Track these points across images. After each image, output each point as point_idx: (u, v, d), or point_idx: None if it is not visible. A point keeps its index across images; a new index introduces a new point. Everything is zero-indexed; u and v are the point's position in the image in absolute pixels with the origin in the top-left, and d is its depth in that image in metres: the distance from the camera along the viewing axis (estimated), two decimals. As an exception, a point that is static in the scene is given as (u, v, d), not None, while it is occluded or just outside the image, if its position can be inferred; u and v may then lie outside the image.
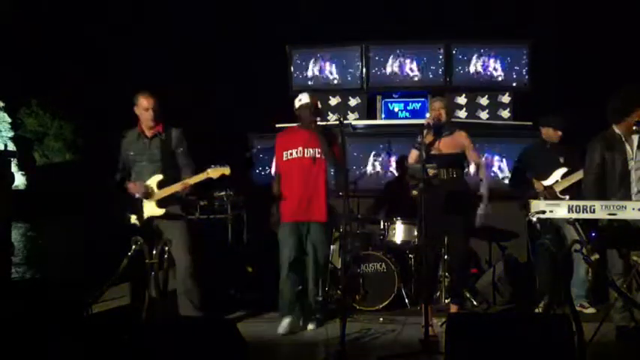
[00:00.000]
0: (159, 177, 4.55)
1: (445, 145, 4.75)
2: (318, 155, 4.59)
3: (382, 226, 5.90)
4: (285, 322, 4.58)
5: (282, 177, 4.75)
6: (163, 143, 4.61)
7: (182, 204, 4.68)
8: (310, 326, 4.64)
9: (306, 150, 4.62)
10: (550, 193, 5.05)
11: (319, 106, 4.81)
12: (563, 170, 5.10)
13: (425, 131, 4.56)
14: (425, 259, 4.49)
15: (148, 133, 4.63)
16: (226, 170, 4.47)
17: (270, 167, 7.25)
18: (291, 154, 4.66)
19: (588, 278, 5.02)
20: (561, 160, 5.15)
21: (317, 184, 4.59)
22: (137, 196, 4.53)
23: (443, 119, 4.72)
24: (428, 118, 4.74)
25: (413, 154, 4.79)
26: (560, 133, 5.17)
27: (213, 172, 4.47)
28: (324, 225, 4.63)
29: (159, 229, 4.55)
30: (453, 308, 4.82)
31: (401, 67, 7.35)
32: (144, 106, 4.57)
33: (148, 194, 4.52)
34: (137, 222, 4.55)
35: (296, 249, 4.63)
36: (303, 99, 4.66)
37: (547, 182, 5.13)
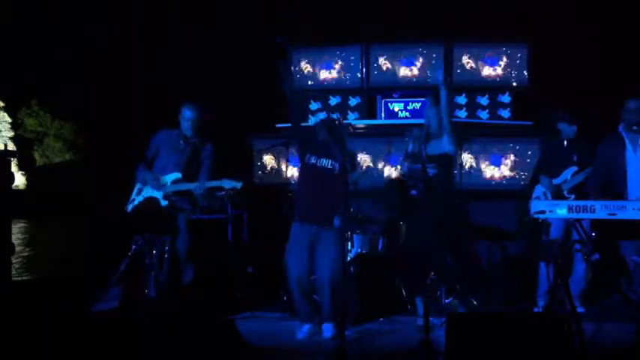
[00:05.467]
0: (177, 175, 4.68)
1: (431, 147, 4.74)
2: (330, 166, 4.63)
3: (382, 227, 5.91)
4: (305, 328, 4.57)
5: (301, 175, 4.84)
6: (195, 152, 4.83)
7: (189, 200, 4.77)
8: (326, 331, 4.55)
9: (319, 160, 4.68)
10: (558, 192, 5.03)
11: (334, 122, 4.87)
12: (573, 169, 5.09)
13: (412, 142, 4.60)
14: (415, 259, 4.49)
15: (187, 139, 4.84)
16: (238, 186, 4.62)
17: (270, 167, 7.26)
18: (310, 158, 4.71)
19: (586, 278, 5.01)
20: (575, 158, 5.14)
21: (331, 191, 4.59)
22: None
23: (434, 129, 4.69)
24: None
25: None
26: (574, 128, 5.17)
27: (227, 184, 4.63)
28: (336, 232, 4.55)
29: (162, 221, 4.64)
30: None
31: (401, 66, 7.34)
32: (187, 116, 4.82)
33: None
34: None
35: (307, 251, 4.60)
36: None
37: (557, 180, 5.13)
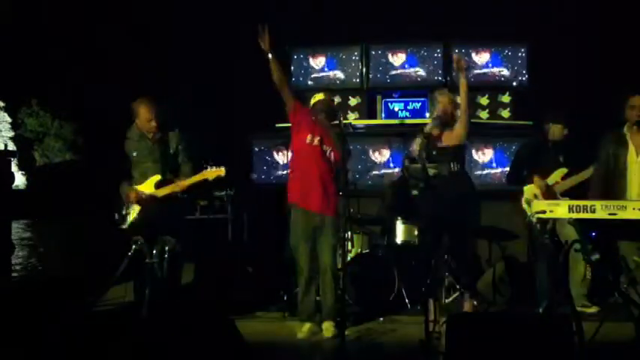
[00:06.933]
0: (156, 177, 4.58)
1: (447, 138, 4.73)
2: (329, 153, 4.60)
3: (382, 226, 5.92)
4: (306, 327, 4.56)
5: (299, 157, 4.69)
6: (165, 144, 4.66)
7: (180, 203, 4.71)
8: (326, 330, 4.54)
9: (323, 145, 4.61)
10: (550, 194, 5.03)
11: (334, 104, 4.82)
12: (563, 171, 5.07)
13: (431, 125, 4.55)
14: (426, 258, 4.49)
15: (150, 135, 4.66)
16: (221, 171, 4.51)
17: (270, 166, 7.26)
18: (312, 140, 4.60)
19: (587, 277, 5.02)
20: (561, 159, 5.13)
21: (329, 179, 4.56)
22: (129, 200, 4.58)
23: (449, 113, 4.69)
24: (436, 111, 4.72)
25: (417, 141, 4.73)
26: (566, 130, 5.15)
27: (209, 174, 4.51)
28: (335, 222, 4.55)
29: (157, 229, 4.58)
30: (468, 306, 4.78)
31: (401, 66, 7.34)
32: (146, 117, 4.59)
33: (142, 199, 4.55)
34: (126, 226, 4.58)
35: (311, 241, 4.57)
36: (317, 96, 4.73)
37: (547, 182, 5.11)
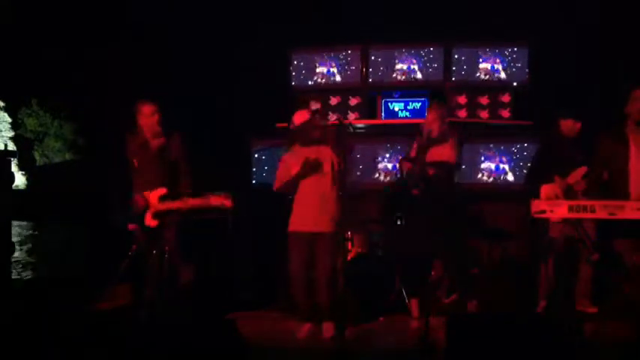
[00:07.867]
0: (162, 191, 4.52)
1: (436, 154, 4.71)
2: (323, 169, 4.54)
3: (382, 226, 5.91)
4: (306, 327, 4.55)
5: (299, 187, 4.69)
6: (167, 152, 4.59)
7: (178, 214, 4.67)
8: (326, 331, 4.51)
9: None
10: (571, 193, 4.96)
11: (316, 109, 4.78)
12: (583, 170, 5.00)
13: (416, 143, 4.57)
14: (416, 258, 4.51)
15: (153, 142, 4.59)
16: (228, 203, 4.39)
17: (270, 167, 7.26)
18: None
19: (588, 277, 5.01)
20: (579, 156, 5.06)
21: (325, 195, 4.54)
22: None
23: (435, 133, 4.64)
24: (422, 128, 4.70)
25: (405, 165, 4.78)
26: (579, 125, 5.09)
27: (215, 201, 4.40)
28: (333, 235, 4.53)
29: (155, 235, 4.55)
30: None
31: (401, 67, 7.35)
32: (149, 112, 4.53)
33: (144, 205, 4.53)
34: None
35: (305, 258, 4.57)
36: (298, 116, 4.57)
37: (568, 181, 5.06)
